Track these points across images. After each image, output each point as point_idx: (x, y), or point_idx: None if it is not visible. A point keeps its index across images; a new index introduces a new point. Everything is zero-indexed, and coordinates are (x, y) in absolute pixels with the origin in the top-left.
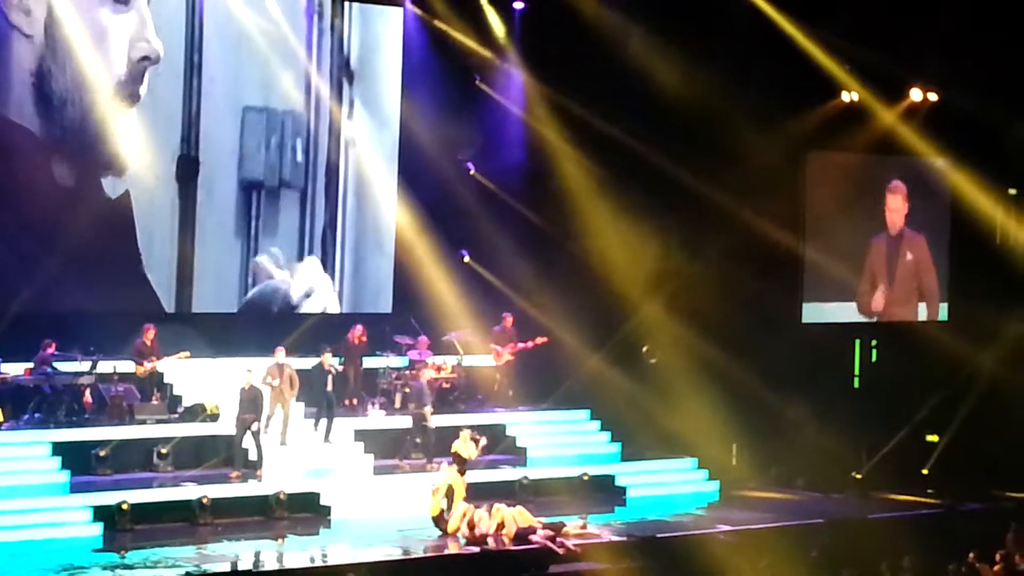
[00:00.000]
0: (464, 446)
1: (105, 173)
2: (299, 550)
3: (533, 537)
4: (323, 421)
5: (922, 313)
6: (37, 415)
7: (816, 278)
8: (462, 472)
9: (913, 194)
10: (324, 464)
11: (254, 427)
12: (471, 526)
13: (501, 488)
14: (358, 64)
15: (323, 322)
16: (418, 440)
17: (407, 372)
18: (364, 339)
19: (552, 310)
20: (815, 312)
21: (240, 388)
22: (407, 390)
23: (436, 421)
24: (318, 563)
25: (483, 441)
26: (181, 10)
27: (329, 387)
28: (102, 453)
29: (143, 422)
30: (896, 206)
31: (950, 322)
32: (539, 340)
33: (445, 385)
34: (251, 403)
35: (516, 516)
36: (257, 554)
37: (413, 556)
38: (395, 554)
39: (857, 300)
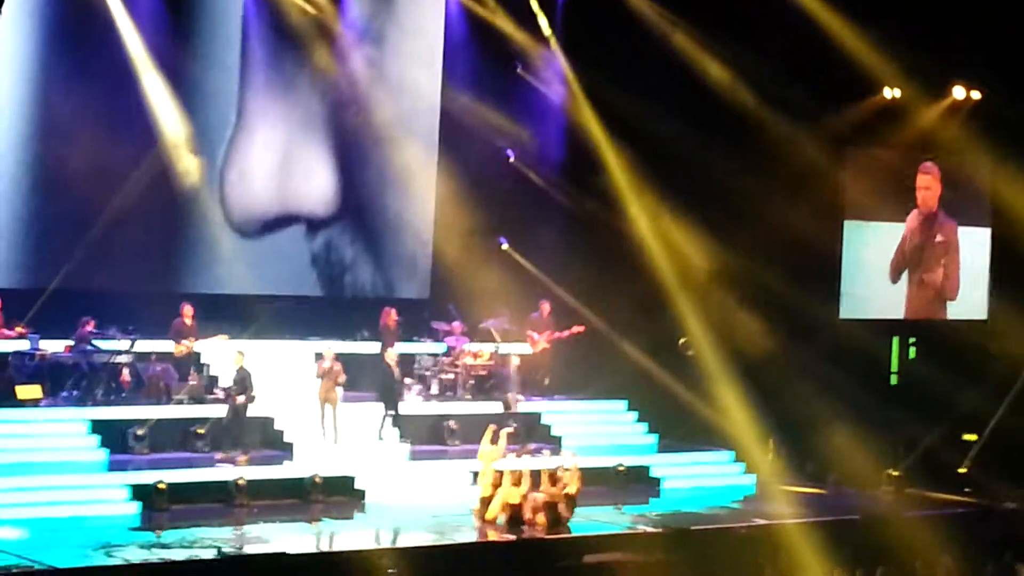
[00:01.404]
0: (490, 451)
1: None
2: (333, 533)
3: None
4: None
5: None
6: (75, 392)
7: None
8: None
9: (950, 188)
10: (361, 449)
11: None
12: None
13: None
14: (401, 49)
15: (360, 305)
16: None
17: (444, 358)
18: (397, 322)
19: (590, 299)
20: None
21: (235, 369)
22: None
23: (474, 407)
24: (352, 547)
25: (506, 430)
26: None
27: (396, 376)
28: (140, 432)
29: (180, 402)
30: (926, 184)
31: (989, 320)
32: (576, 329)
33: (482, 372)
34: (240, 383)
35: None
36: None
37: (448, 542)
38: (429, 540)
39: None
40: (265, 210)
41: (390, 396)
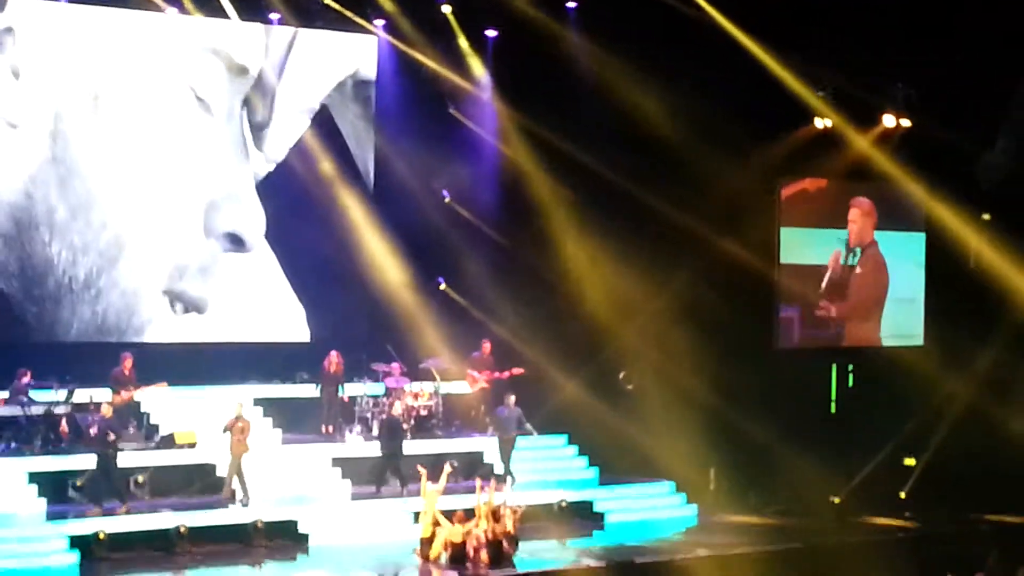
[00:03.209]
0: (432, 490)
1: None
2: None
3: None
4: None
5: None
6: (13, 444)
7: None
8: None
9: (885, 217)
10: (302, 491)
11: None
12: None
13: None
14: (332, 99)
15: (300, 351)
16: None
17: (384, 399)
18: (340, 365)
19: (528, 336)
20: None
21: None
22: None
23: (415, 448)
24: None
25: (447, 469)
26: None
27: (405, 427)
28: (79, 482)
29: (120, 451)
30: (854, 218)
31: (925, 346)
32: (515, 371)
33: (423, 412)
34: (106, 432)
35: (450, 535)
36: None
37: None
38: None
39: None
40: (198, 247)
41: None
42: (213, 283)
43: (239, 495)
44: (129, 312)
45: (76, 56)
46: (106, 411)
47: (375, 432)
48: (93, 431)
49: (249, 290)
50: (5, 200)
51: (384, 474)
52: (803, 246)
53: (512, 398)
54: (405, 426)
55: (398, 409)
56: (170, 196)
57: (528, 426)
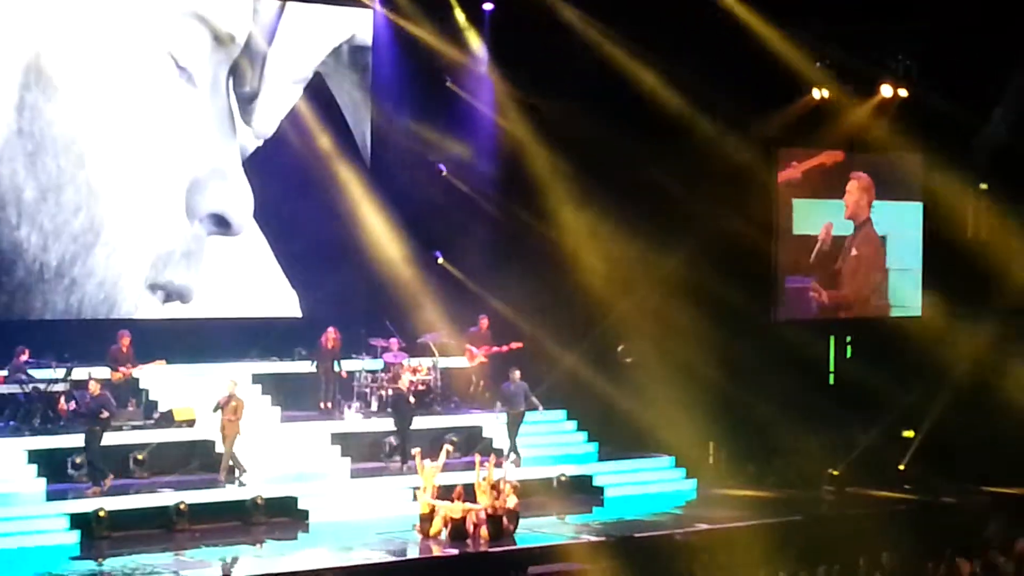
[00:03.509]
0: (430, 467)
1: None
2: (277, 555)
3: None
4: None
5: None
6: (12, 423)
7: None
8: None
9: (882, 189)
10: (301, 468)
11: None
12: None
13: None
14: (327, 66)
15: (297, 326)
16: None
17: (383, 375)
18: (338, 341)
19: (526, 310)
20: None
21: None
22: (383, 393)
23: (415, 423)
24: (297, 568)
25: (446, 448)
26: None
27: (412, 400)
28: (78, 460)
29: (119, 428)
30: (851, 189)
31: (923, 317)
32: (514, 345)
33: (421, 387)
34: (97, 409)
35: (449, 511)
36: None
37: (392, 559)
38: (374, 557)
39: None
40: (181, 230)
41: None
42: (198, 270)
43: (237, 472)
44: (108, 303)
45: (43, 19)
46: (93, 388)
47: (374, 407)
48: (78, 408)
49: (237, 275)
50: None
51: (405, 447)
52: (812, 216)
53: (517, 373)
54: (413, 400)
55: (405, 383)
56: (150, 175)
57: (534, 400)
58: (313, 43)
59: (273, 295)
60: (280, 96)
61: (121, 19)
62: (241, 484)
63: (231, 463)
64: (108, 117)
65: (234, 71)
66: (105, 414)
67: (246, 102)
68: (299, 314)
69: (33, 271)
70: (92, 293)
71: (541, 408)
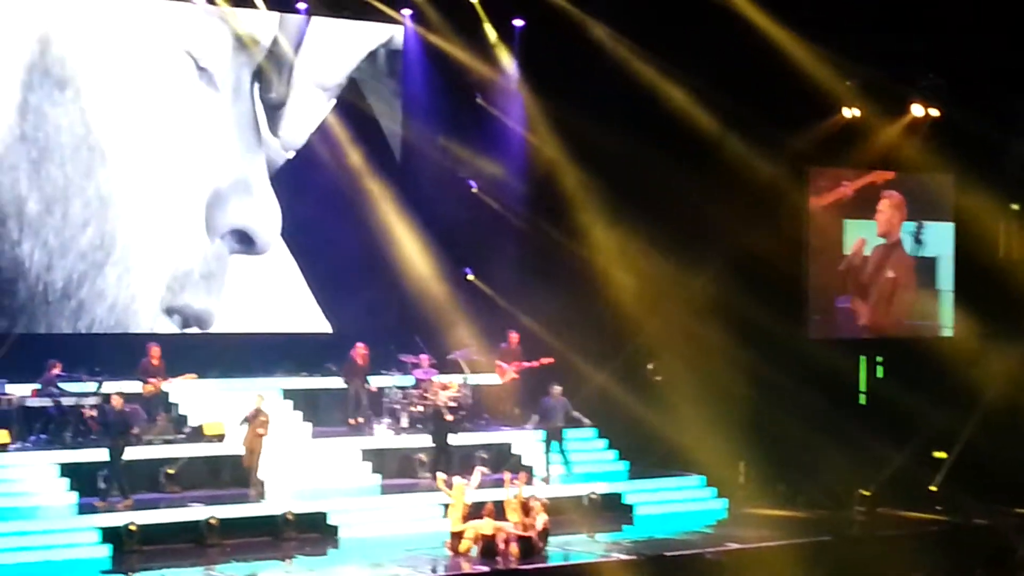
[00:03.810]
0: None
1: None
2: (307, 570)
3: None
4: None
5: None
6: (43, 436)
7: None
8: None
9: (914, 208)
10: (331, 484)
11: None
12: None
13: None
14: (362, 72)
15: (327, 342)
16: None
17: (413, 391)
18: (367, 358)
19: (556, 327)
20: None
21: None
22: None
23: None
24: None
25: (479, 469)
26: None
27: (449, 417)
28: (106, 475)
29: (149, 443)
30: (883, 208)
31: (955, 338)
32: (545, 360)
33: (451, 404)
34: (119, 424)
35: (480, 528)
36: None
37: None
38: (403, 574)
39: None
40: (201, 248)
41: (441, 434)
42: (219, 293)
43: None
44: (121, 328)
45: (49, 11)
46: (116, 402)
47: (404, 424)
48: (104, 421)
49: (262, 292)
50: None
51: (437, 464)
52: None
53: (558, 388)
54: (449, 416)
55: (443, 399)
56: (167, 186)
57: (576, 415)
58: (346, 48)
59: (302, 311)
60: (310, 105)
61: (135, 13)
62: (262, 498)
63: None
64: (121, 121)
65: (259, 76)
66: (135, 429)
67: (273, 110)
68: (329, 329)
69: (36, 292)
70: (102, 317)
71: (586, 422)
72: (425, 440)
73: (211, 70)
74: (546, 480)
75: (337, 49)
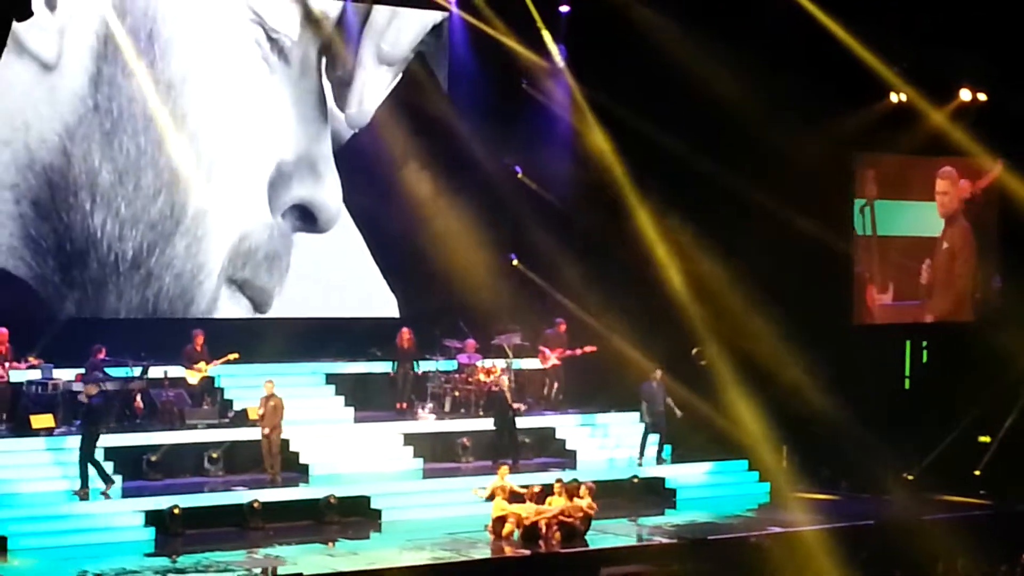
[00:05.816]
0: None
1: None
2: (350, 553)
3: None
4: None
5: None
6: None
7: None
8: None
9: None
10: (374, 468)
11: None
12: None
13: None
14: (427, 45)
15: (371, 327)
16: None
17: (457, 376)
18: (412, 342)
19: (601, 313)
20: None
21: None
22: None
23: (487, 424)
24: (369, 567)
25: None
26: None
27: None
28: (154, 458)
29: (194, 427)
30: (943, 189)
31: (1000, 322)
32: (588, 349)
33: (495, 388)
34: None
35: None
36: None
37: (464, 559)
38: (446, 557)
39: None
40: (264, 223)
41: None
42: (281, 273)
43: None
44: (184, 300)
45: None
46: (90, 390)
47: (447, 408)
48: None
49: (325, 273)
50: (38, 158)
51: (499, 448)
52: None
53: (659, 372)
54: (511, 400)
55: (505, 382)
56: (236, 159)
57: (670, 402)
58: (410, 21)
59: (361, 296)
60: (376, 79)
61: None
62: (274, 483)
63: (271, 461)
64: (192, 91)
65: (327, 51)
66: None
67: (340, 86)
68: (396, 314)
69: (107, 263)
70: (169, 287)
71: (679, 413)
72: (466, 424)
73: (281, 42)
74: (639, 463)
75: (402, 22)
